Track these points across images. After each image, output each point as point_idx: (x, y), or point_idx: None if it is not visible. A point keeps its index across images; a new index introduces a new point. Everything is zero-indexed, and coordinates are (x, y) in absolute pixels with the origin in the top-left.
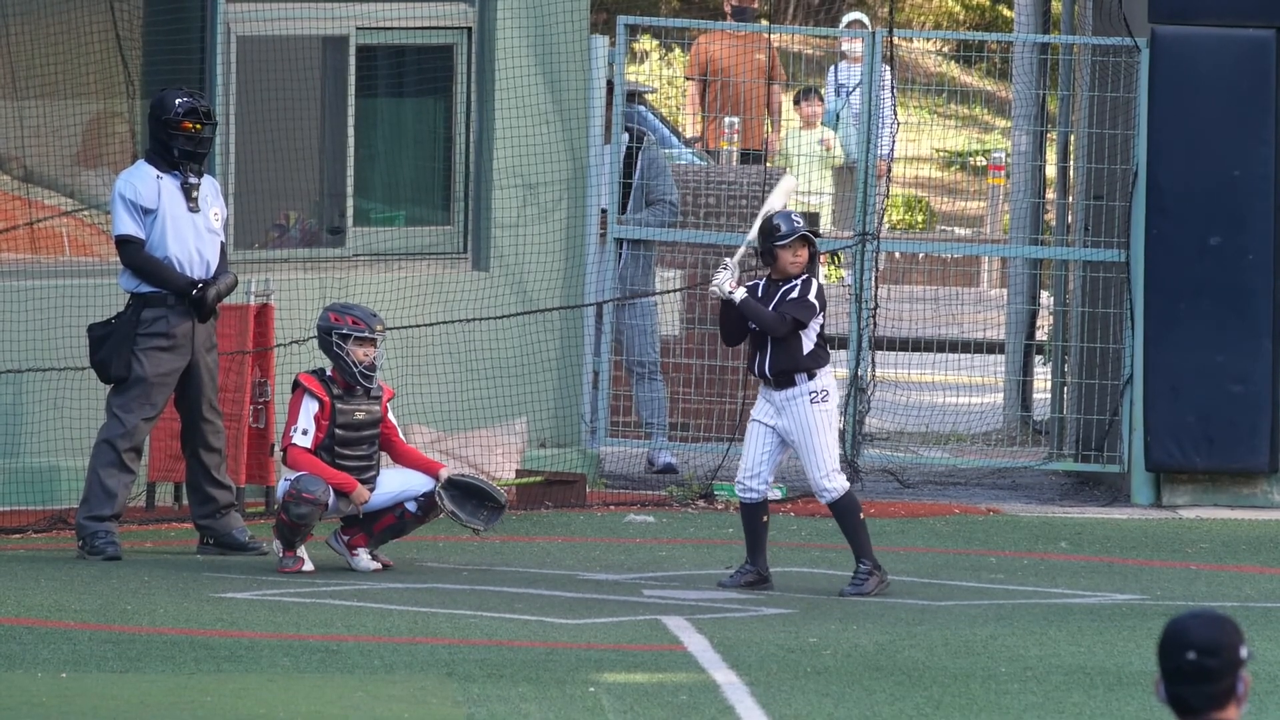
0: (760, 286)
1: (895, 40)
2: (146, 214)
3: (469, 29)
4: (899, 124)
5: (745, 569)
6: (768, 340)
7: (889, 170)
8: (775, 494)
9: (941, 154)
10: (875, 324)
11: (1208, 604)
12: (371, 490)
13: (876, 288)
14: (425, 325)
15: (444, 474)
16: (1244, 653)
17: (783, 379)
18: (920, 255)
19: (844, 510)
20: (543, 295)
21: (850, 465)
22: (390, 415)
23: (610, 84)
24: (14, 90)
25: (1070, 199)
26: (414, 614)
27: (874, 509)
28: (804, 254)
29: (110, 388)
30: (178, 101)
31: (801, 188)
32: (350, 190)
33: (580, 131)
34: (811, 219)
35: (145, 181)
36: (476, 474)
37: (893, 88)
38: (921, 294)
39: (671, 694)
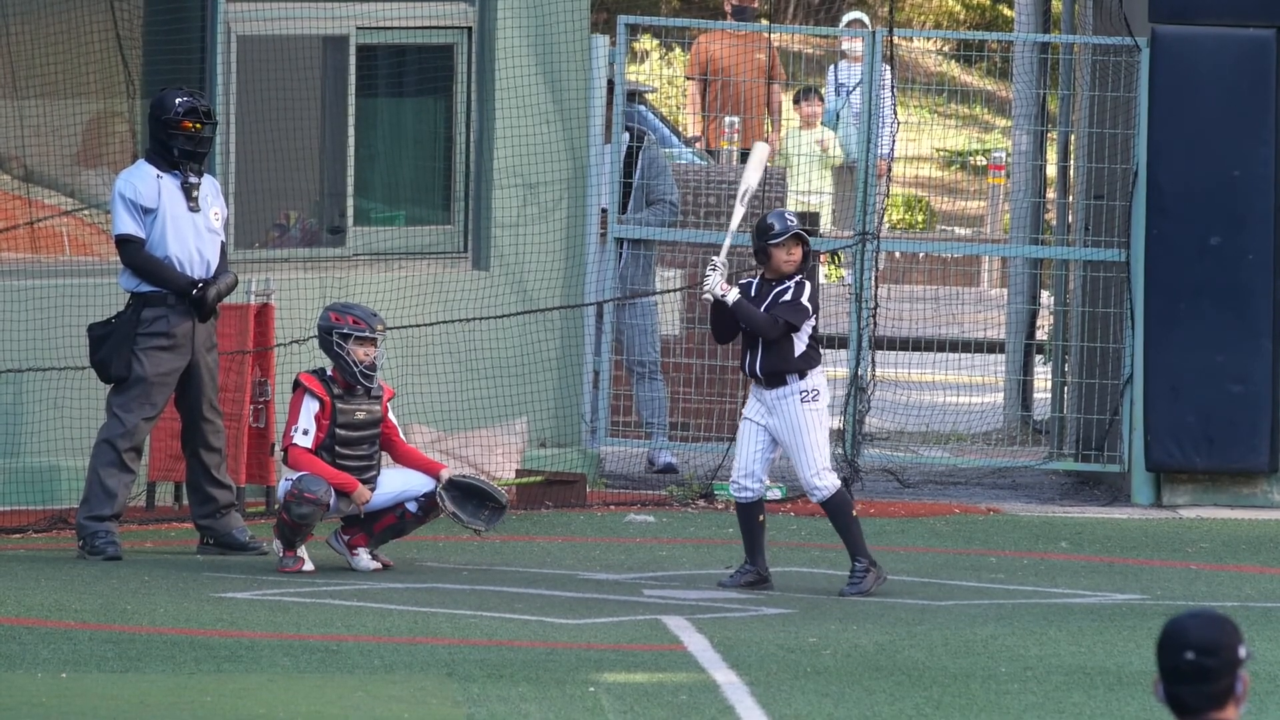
0: (753, 285)
1: (895, 40)
2: (146, 213)
3: (469, 29)
4: (899, 123)
5: (745, 569)
6: (759, 340)
7: (889, 170)
8: (775, 494)
9: (941, 154)
10: (875, 324)
11: (1208, 604)
12: (372, 490)
13: (876, 287)
14: (425, 325)
15: (445, 475)
16: (1242, 652)
17: (774, 379)
18: (920, 255)
19: (836, 508)
20: (543, 295)
21: (850, 465)
22: (391, 415)
23: (610, 84)
24: (14, 90)
25: (1070, 199)
26: (414, 614)
27: (874, 509)
28: (798, 253)
29: (110, 387)
30: (178, 101)
31: (801, 188)
32: (350, 190)
33: (580, 131)
34: (811, 219)
35: (145, 181)
36: (477, 474)
37: (893, 87)
38: (921, 294)
39: (671, 694)
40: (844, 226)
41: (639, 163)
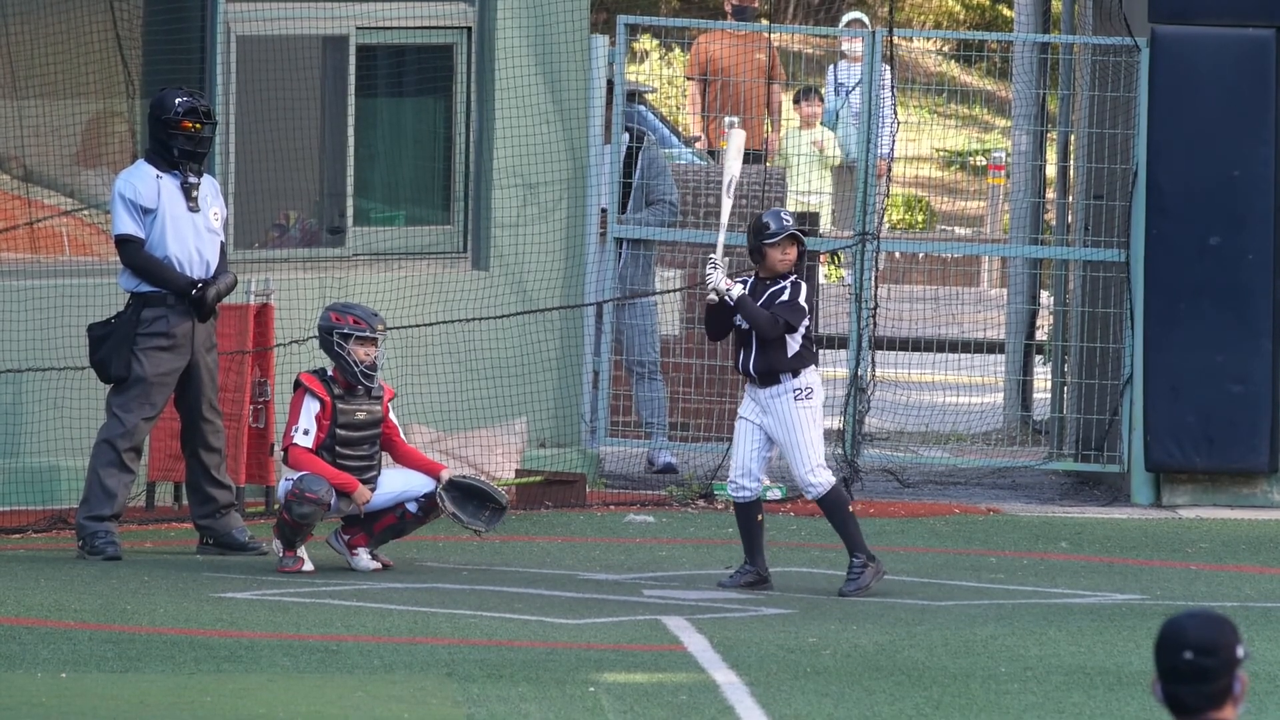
0: (748, 284)
1: (895, 40)
2: (146, 213)
3: (469, 29)
4: (899, 123)
5: (745, 569)
6: (753, 339)
7: (889, 170)
8: (775, 494)
9: (941, 154)
10: (875, 324)
11: (1207, 604)
12: (373, 490)
13: (876, 287)
14: (425, 325)
15: (445, 475)
16: (1241, 652)
17: (767, 378)
18: (920, 255)
19: (832, 505)
20: (543, 295)
21: (850, 465)
22: (391, 415)
23: (610, 84)
24: (14, 90)
25: (1070, 199)
26: (414, 614)
27: (874, 509)
28: (793, 252)
29: (110, 387)
30: (177, 101)
31: (800, 187)
32: (350, 190)
33: (580, 131)
34: (810, 219)
35: (145, 181)
36: (477, 475)
37: (893, 87)
38: (921, 294)
39: (671, 694)
40: (844, 226)
41: (639, 163)
